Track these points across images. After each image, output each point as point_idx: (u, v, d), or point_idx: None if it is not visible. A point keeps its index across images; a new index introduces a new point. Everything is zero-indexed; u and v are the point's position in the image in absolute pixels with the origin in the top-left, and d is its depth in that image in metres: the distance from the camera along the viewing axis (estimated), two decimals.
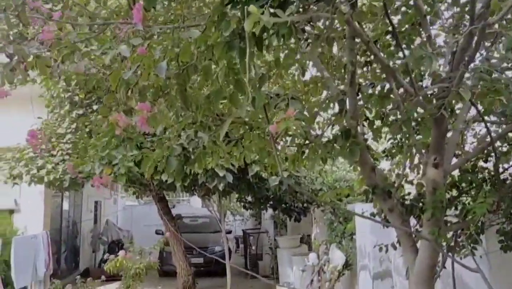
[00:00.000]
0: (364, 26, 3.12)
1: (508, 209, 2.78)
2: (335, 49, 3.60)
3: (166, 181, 6.86)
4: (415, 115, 2.31)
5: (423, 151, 3.04)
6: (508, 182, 2.97)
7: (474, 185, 3.11)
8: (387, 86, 2.96)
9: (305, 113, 3.34)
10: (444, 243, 3.06)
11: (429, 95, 2.90)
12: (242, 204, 11.58)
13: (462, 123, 2.97)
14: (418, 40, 3.31)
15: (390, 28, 3.26)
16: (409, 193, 3.32)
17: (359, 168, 4.01)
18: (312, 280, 7.19)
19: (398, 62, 3.12)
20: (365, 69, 3.54)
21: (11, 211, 8.86)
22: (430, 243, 2.75)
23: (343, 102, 2.72)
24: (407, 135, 3.11)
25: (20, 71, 3.04)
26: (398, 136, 3.50)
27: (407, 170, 3.65)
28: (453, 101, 2.75)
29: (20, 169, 7.44)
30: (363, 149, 2.55)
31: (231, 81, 2.30)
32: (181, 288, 10.02)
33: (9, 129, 7.42)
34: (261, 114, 3.56)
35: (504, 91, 2.04)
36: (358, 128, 2.95)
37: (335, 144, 2.56)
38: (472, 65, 2.29)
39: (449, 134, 2.95)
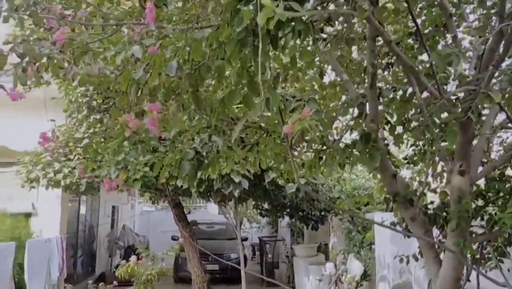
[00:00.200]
0: (385, 28, 2.99)
1: None
2: (354, 52, 3.48)
3: (182, 186, 6.81)
4: (440, 118, 2.16)
5: (447, 158, 2.88)
6: None
7: (501, 194, 2.93)
8: (409, 90, 2.83)
9: (323, 117, 3.23)
10: (468, 255, 2.90)
11: (454, 100, 2.76)
12: (259, 211, 11.45)
13: (489, 129, 2.81)
14: (442, 43, 3.17)
15: (412, 30, 3.13)
16: (432, 202, 3.16)
17: (378, 175, 3.88)
18: None
19: (421, 65, 2.98)
20: (385, 72, 3.41)
21: (29, 215, 8.91)
22: (454, 255, 2.59)
23: (363, 106, 2.59)
24: (431, 141, 2.96)
25: (32, 72, 3.00)
26: (421, 143, 3.34)
27: (430, 178, 3.50)
28: (480, 106, 2.60)
29: (37, 173, 7.47)
30: (383, 154, 2.42)
31: (244, 82, 2.20)
32: None
33: (27, 133, 7.47)
34: (277, 118, 3.48)
35: None
36: (379, 133, 2.82)
37: (353, 150, 2.43)
38: (502, 65, 2.14)
39: (474, 141, 2.79)
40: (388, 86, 3.10)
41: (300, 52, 2.56)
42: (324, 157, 3.27)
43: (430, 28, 3.14)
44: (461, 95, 2.76)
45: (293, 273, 10.15)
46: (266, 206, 10.56)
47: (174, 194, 7.98)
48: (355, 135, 2.97)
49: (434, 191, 3.15)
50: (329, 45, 2.91)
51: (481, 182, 3.13)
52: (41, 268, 6.85)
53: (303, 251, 9.43)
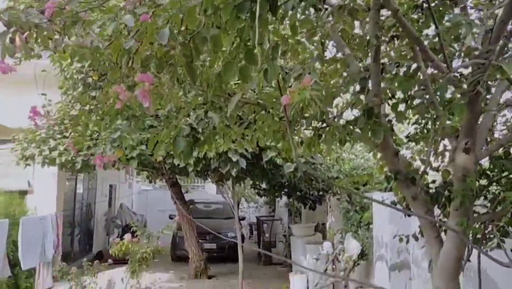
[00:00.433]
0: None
1: None
2: (357, 29, 3.35)
3: (178, 165, 6.74)
4: (446, 93, 2.06)
5: (452, 136, 2.79)
6: None
7: (505, 173, 2.85)
8: (414, 66, 2.72)
9: (323, 93, 3.12)
10: (470, 235, 2.83)
11: (459, 76, 2.65)
12: (256, 191, 11.42)
13: (495, 106, 2.71)
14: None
15: (418, 2, 2.99)
16: (433, 181, 3.08)
17: (379, 154, 3.80)
18: (326, 269, 7.01)
19: (427, 40, 2.86)
20: (389, 48, 3.29)
21: (24, 193, 8.85)
22: (457, 235, 2.52)
23: (366, 80, 2.48)
24: (435, 118, 2.86)
25: (21, 44, 2.87)
26: (423, 121, 3.24)
27: (432, 156, 3.42)
28: (488, 82, 2.49)
29: (32, 150, 7.38)
30: (386, 131, 2.32)
31: (241, 52, 2.09)
32: (193, 273, 9.97)
33: (22, 110, 7.34)
34: (275, 94, 3.37)
35: None
36: (381, 109, 2.71)
37: (355, 126, 2.33)
38: None
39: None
40: (390, 62, 2.97)
41: (301, 20, 2.43)
42: (323, 135, 3.20)
43: (436, 1, 3.00)
44: (466, 72, 2.65)
45: (290, 252, 10.17)
46: (264, 185, 10.52)
47: (171, 173, 7.91)
48: (356, 112, 2.87)
49: (437, 169, 3.06)
50: (331, 17, 2.78)
51: (483, 162, 3.04)
52: (36, 245, 6.82)
53: (300, 230, 9.43)
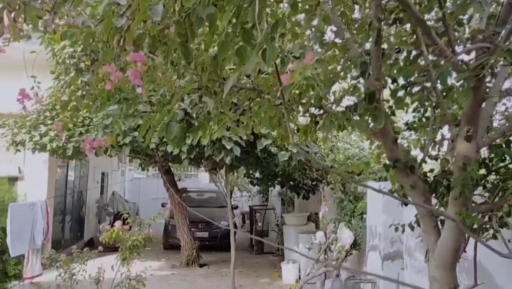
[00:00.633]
0: None
1: None
2: (357, 12, 3.26)
3: (172, 152, 6.65)
4: (448, 78, 1.98)
5: (451, 124, 2.73)
6: None
7: (505, 163, 2.80)
8: (414, 52, 2.65)
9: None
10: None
11: (460, 62, 2.58)
12: (250, 180, 11.37)
13: (497, 93, 2.64)
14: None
15: None
16: (431, 170, 3.02)
17: (376, 142, 3.74)
18: (318, 259, 6.99)
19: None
20: (387, 34, 3.21)
21: (15, 179, 8.73)
22: (455, 225, 2.47)
23: (366, 65, 2.40)
24: (434, 105, 2.79)
25: (10, 23, 2.76)
26: (422, 108, 3.17)
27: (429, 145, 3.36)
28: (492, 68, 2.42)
29: (22, 135, 7.26)
30: (386, 117, 2.25)
31: (238, 33, 2.00)
32: (184, 262, 9.94)
33: (12, 95, 7.19)
34: (271, 79, 3.29)
35: None
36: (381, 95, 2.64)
37: (354, 112, 2.26)
38: None
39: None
40: (392, 47, 2.89)
41: None
42: (321, 122, 3.13)
43: None
44: (467, 59, 2.59)
45: (282, 242, 10.17)
46: (257, 175, 10.47)
47: (164, 160, 7.83)
48: (353, 99, 2.79)
49: (434, 158, 3.00)
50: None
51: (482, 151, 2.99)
52: (25, 232, 6.72)
53: (293, 219, 9.41)
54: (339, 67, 2.98)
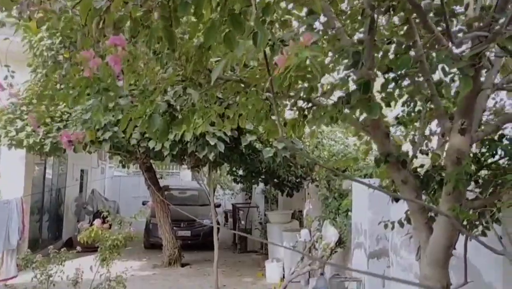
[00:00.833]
0: None
1: None
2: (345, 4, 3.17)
3: (153, 148, 6.48)
4: (450, 66, 1.89)
5: (443, 118, 2.65)
6: None
7: (496, 158, 2.74)
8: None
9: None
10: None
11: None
12: (233, 177, 11.25)
13: (490, 86, 2.58)
14: None
15: None
16: (421, 165, 2.95)
17: (364, 137, 3.65)
18: (303, 257, 6.91)
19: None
20: (378, 24, 3.12)
21: None
22: (447, 221, 2.40)
23: (359, 54, 2.31)
24: (426, 98, 2.72)
25: None
26: (412, 103, 3.10)
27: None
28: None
29: None
30: (380, 109, 2.16)
31: (226, 18, 1.88)
32: (166, 261, 9.76)
33: None
34: (257, 71, 3.18)
35: None
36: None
37: (347, 103, 2.16)
38: None
39: None
40: (383, 39, 2.81)
41: None
42: (309, 115, 3.03)
43: None
44: (459, 51, 2.51)
45: (266, 239, 10.07)
46: (240, 172, 10.35)
47: (146, 157, 7.64)
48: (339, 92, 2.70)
49: (426, 153, 2.94)
50: None
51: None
52: None
53: (277, 217, 9.33)
54: (328, 59, 2.88)
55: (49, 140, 6.88)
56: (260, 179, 9.59)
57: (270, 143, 6.64)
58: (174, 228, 10.21)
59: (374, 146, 3.62)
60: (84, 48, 2.64)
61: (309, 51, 1.22)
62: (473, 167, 2.82)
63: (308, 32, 1.38)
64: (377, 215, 5.45)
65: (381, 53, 2.70)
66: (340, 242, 6.53)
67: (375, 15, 2.29)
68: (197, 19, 2.22)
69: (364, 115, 2.47)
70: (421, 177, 2.70)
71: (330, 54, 3.30)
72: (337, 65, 3.04)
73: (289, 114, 3.42)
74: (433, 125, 3.27)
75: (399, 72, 2.61)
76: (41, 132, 6.92)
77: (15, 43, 7.23)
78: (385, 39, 2.81)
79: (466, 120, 2.26)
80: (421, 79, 2.62)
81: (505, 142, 2.50)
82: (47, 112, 3.29)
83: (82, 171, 13.74)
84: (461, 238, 2.91)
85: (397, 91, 2.77)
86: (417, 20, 2.55)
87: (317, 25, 3.37)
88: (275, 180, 8.92)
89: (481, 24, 2.08)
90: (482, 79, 2.60)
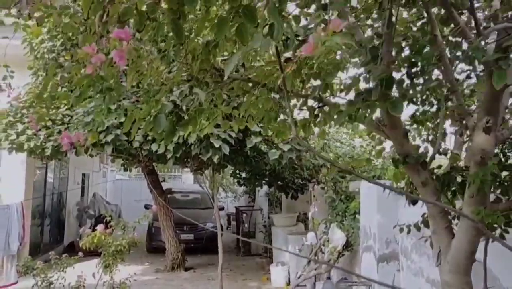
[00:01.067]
0: None
1: None
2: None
3: (156, 151, 6.36)
4: (481, 58, 1.76)
5: (465, 116, 2.53)
6: None
7: None
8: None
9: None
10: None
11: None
12: (236, 180, 11.11)
13: None
14: None
15: None
16: (439, 166, 2.81)
17: (377, 137, 3.52)
18: (309, 261, 6.77)
19: None
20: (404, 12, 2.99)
21: None
22: (470, 225, 2.26)
23: (376, 49, 2.18)
24: (445, 96, 2.58)
25: None
26: (428, 101, 2.96)
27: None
28: None
29: None
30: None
31: (237, 11, 1.76)
32: (169, 265, 9.62)
33: None
34: (266, 70, 3.05)
35: None
36: None
37: (367, 100, 2.02)
38: None
39: None
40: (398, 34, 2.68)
41: None
42: (321, 114, 2.91)
43: None
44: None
45: (271, 243, 9.93)
46: (244, 174, 10.23)
47: (148, 160, 7.51)
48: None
49: (445, 153, 2.81)
50: None
51: None
52: None
53: (281, 220, 9.18)
54: (340, 56, 2.75)
55: (50, 143, 6.76)
56: (264, 181, 9.46)
57: (275, 145, 6.51)
58: (177, 231, 10.08)
59: (386, 147, 3.51)
60: (86, 45, 2.51)
61: (340, 37, 1.10)
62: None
63: (337, 19, 1.25)
64: (386, 218, 5.33)
65: (395, 49, 2.58)
66: (347, 246, 6.39)
67: (394, 8, 2.17)
68: (205, 12, 2.10)
69: (377, 114, 2.36)
70: (441, 179, 2.57)
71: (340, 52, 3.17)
72: (349, 62, 2.92)
73: (295, 115, 3.30)
74: (446, 125, 3.14)
75: (413, 70, 2.48)
76: (42, 136, 6.80)
77: (15, 46, 7.13)
78: (401, 34, 2.69)
79: (492, 119, 2.13)
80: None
81: None
82: (47, 112, 3.17)
83: (83, 175, 13.62)
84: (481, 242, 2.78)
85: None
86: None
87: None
88: (280, 182, 8.78)
89: (508, 15, 1.95)
90: None
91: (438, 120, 3.11)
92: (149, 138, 6.33)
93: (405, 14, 3.09)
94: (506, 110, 2.85)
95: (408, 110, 3.35)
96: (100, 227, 4.87)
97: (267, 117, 2.99)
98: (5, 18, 3.24)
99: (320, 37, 1.11)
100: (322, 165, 7.12)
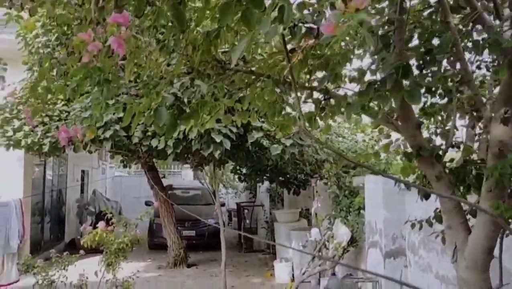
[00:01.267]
0: None
1: None
2: None
3: (156, 147, 6.24)
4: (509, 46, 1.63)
5: (479, 107, 2.41)
6: None
7: None
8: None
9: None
10: None
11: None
12: (237, 176, 11.00)
13: None
14: None
15: None
16: (452, 159, 2.70)
17: (385, 130, 3.41)
18: (313, 257, 6.67)
19: None
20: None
21: None
22: (488, 220, 2.16)
23: (388, 37, 2.07)
24: (457, 87, 2.47)
25: None
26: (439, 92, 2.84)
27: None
28: None
29: None
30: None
31: None
32: (172, 262, 9.53)
33: None
34: (270, 61, 2.94)
35: None
36: None
37: (380, 89, 1.91)
38: None
39: None
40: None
41: None
42: (325, 108, 2.80)
43: None
44: None
45: (273, 239, 9.83)
46: (244, 170, 10.12)
47: (148, 156, 7.39)
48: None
49: (458, 146, 2.69)
50: None
51: None
52: None
53: (284, 216, 9.08)
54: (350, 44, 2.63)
55: (48, 139, 6.65)
56: (265, 177, 9.35)
57: (277, 140, 6.40)
58: (179, 228, 9.98)
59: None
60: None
61: (365, 14, 0.98)
62: None
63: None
64: (392, 214, 5.23)
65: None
66: (352, 241, 6.29)
67: None
68: (205, 1, 1.98)
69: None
70: (456, 172, 2.46)
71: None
72: (353, 54, 2.79)
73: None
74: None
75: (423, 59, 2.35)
76: (39, 132, 6.69)
77: (9, 41, 7.01)
78: (411, 23, 2.57)
79: (510, 109, 2.02)
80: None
81: None
82: (43, 106, 3.06)
83: (82, 171, 13.51)
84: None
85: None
86: None
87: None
88: (281, 178, 8.67)
89: None
90: None
91: (447, 113, 3.00)
92: (149, 133, 6.22)
93: (412, 2, 2.98)
94: None
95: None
96: (101, 225, 4.76)
97: (272, 110, 2.88)
98: None
99: (342, 15, 1.00)
100: (325, 160, 7.01)
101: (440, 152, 2.39)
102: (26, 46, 6.96)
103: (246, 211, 12.31)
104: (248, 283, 8.18)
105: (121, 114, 5.42)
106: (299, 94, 2.98)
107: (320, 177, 7.40)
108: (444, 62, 2.39)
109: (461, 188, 2.62)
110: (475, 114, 2.89)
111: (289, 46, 2.52)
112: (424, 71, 2.24)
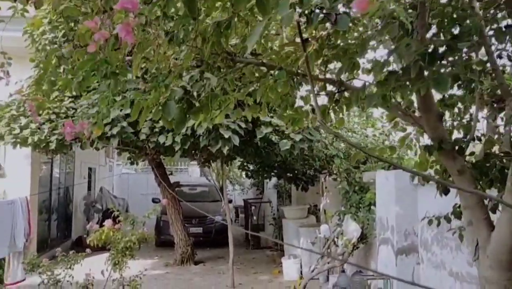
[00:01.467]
0: None
1: None
2: None
3: (164, 143, 6.17)
4: None
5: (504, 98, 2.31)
6: None
7: None
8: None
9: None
10: None
11: None
12: (245, 172, 10.91)
13: None
14: None
15: None
16: (472, 153, 2.59)
17: (401, 124, 3.30)
18: (323, 254, 6.58)
19: None
20: None
21: None
22: None
23: (410, 23, 1.95)
24: (479, 77, 2.36)
25: None
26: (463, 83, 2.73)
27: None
28: None
29: (1, 128, 6.70)
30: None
31: None
32: (179, 259, 9.48)
33: None
34: (283, 52, 2.85)
35: None
36: None
37: (401, 78, 1.81)
38: None
39: None
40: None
41: None
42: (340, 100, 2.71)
43: None
44: None
45: (281, 236, 9.74)
46: (252, 167, 10.02)
47: (156, 153, 7.32)
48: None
49: (479, 139, 2.59)
50: None
51: None
52: (3, 233, 6.11)
53: (292, 213, 8.98)
54: (369, 32, 2.53)
55: (55, 137, 6.59)
56: (273, 173, 9.25)
57: (286, 135, 6.30)
58: (186, 225, 9.93)
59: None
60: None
61: None
62: None
63: None
64: (404, 210, 5.12)
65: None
66: (362, 238, 6.19)
67: None
68: None
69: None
70: (478, 166, 2.35)
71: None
72: (383, 35, 2.68)
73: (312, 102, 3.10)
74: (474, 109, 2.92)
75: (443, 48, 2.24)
76: (46, 129, 6.63)
77: (17, 39, 6.94)
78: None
79: None
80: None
81: None
82: (47, 100, 2.98)
83: (90, 169, 13.49)
84: None
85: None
86: None
87: None
88: (289, 174, 8.57)
89: None
90: None
91: (465, 104, 2.89)
92: (156, 130, 6.14)
93: None
94: None
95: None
96: (108, 223, 4.68)
97: (285, 103, 2.79)
98: (1, 3, 3.04)
99: None
100: (334, 155, 6.90)
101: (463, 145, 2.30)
102: (33, 43, 6.90)
103: (253, 207, 12.22)
104: (256, 280, 8.10)
105: (128, 111, 5.35)
106: (309, 87, 2.89)
107: (329, 173, 7.30)
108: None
109: (480, 182, 2.52)
110: (495, 105, 2.78)
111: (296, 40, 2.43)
112: (445, 60, 2.15)
